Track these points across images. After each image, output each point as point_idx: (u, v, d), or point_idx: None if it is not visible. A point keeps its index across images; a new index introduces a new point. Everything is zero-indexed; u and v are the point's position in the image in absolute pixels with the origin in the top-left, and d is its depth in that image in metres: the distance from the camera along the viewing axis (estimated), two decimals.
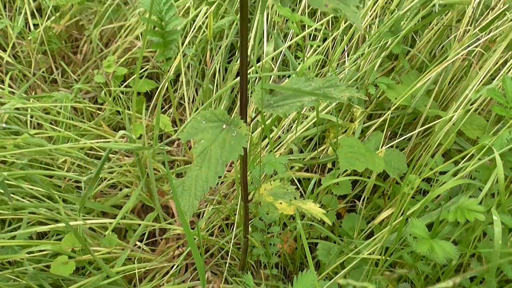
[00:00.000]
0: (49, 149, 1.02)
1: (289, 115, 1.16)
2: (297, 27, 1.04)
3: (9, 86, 1.45)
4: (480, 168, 0.98)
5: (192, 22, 1.47)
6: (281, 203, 0.89)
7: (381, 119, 1.14)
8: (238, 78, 1.14)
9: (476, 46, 1.01)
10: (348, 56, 1.22)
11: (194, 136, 0.72)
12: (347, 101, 0.72)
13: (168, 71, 1.22)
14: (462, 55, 1.02)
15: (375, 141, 1.09)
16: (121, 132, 1.04)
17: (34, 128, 1.35)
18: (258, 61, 1.45)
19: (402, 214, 0.97)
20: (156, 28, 1.09)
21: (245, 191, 0.90)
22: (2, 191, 1.01)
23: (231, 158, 0.68)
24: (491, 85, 0.94)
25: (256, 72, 1.23)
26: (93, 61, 1.59)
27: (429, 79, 1.08)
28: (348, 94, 0.76)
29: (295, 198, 0.89)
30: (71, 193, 1.26)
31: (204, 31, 1.45)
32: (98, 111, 1.44)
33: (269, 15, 1.45)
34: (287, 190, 0.91)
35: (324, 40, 1.35)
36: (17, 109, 1.24)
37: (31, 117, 1.33)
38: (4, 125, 0.99)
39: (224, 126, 0.73)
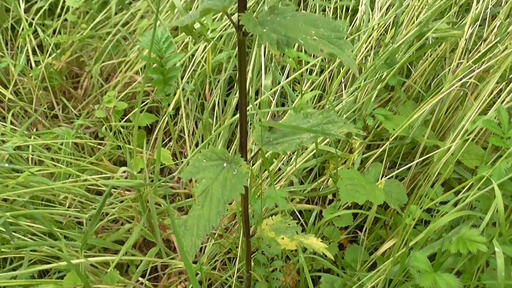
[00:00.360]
0: (51, 188, 1.03)
1: (288, 152, 1.17)
2: (294, 62, 1.06)
3: (11, 122, 1.47)
4: (480, 198, 0.98)
5: (191, 57, 1.50)
6: (283, 238, 0.89)
7: (380, 150, 1.15)
8: (237, 115, 1.16)
9: (470, 78, 1.03)
10: (345, 88, 1.24)
11: (196, 175, 0.73)
12: (345, 138, 0.74)
13: (168, 105, 1.24)
14: (456, 87, 1.04)
15: (374, 172, 1.09)
16: (123, 168, 1.04)
17: (35, 164, 1.36)
18: (256, 93, 1.48)
19: (404, 245, 0.97)
20: (156, 65, 1.11)
21: (246, 226, 0.90)
22: (3, 229, 1.01)
23: (232, 198, 0.69)
24: (486, 116, 0.96)
25: (258, 107, 1.25)
26: (93, 96, 1.61)
27: (425, 110, 1.09)
28: (346, 130, 0.77)
29: (297, 233, 0.89)
30: (73, 229, 1.26)
31: (203, 65, 1.47)
32: (99, 146, 1.45)
33: (266, 48, 1.48)
34: (289, 224, 0.91)
35: (321, 72, 1.37)
36: (19, 147, 1.25)
37: (33, 150, 1.34)
38: (7, 164, 1.00)
39: (225, 165, 0.74)
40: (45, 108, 1.58)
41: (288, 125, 0.77)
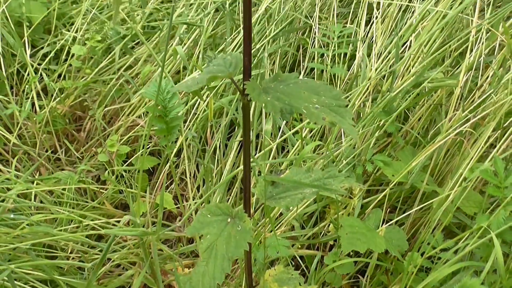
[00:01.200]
0: (54, 235, 1.03)
1: (291, 208, 1.19)
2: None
3: (15, 166, 1.48)
4: (480, 246, 0.99)
5: (193, 103, 1.53)
6: None
7: (380, 195, 1.17)
8: (239, 168, 1.18)
9: (466, 126, 1.06)
10: (344, 134, 1.26)
11: (200, 231, 0.74)
12: (346, 193, 0.75)
13: (171, 152, 1.26)
14: (453, 135, 1.07)
15: (375, 218, 1.11)
16: (126, 217, 1.06)
17: (38, 209, 1.37)
18: (257, 137, 1.50)
19: None
20: (160, 114, 1.14)
21: (249, 277, 0.91)
22: (7, 280, 1.01)
23: (236, 255, 0.70)
24: (483, 166, 0.98)
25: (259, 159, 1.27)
26: (96, 139, 1.63)
27: (423, 157, 1.12)
28: (347, 185, 0.79)
29: (299, 284, 0.90)
30: (74, 274, 1.26)
31: (204, 109, 1.51)
32: (101, 190, 1.47)
33: None
34: (292, 275, 0.92)
35: None
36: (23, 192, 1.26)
37: (36, 195, 1.35)
38: (12, 215, 1.01)
39: (229, 220, 0.75)
40: (47, 151, 1.60)
41: (290, 179, 0.79)
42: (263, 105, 0.58)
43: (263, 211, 1.25)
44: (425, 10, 1.22)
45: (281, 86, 0.62)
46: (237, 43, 1.56)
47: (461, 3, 1.22)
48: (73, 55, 1.67)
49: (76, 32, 1.68)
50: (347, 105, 0.58)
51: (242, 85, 0.63)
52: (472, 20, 1.17)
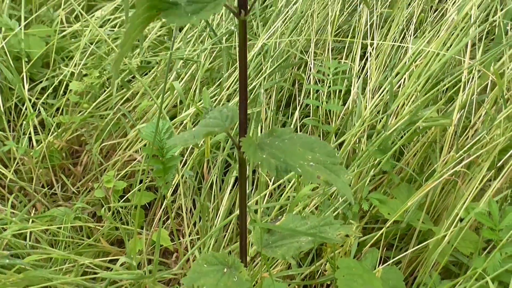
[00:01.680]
0: (49, 279, 1.03)
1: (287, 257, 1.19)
2: None
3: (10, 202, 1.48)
4: None
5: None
6: None
7: (377, 234, 1.17)
8: (234, 214, 1.18)
9: (460, 167, 1.07)
10: None
11: (197, 281, 0.74)
12: (341, 241, 0.76)
13: (168, 190, 1.26)
14: (447, 176, 1.08)
15: (371, 258, 1.11)
16: (122, 259, 1.05)
17: (32, 248, 1.36)
18: (253, 172, 1.51)
19: None
20: (157, 155, 1.14)
21: None
22: None
23: None
24: (478, 207, 0.99)
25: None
26: (92, 174, 1.63)
27: (419, 197, 1.12)
28: (343, 233, 0.79)
29: None
30: None
31: (201, 145, 1.51)
32: (97, 227, 1.46)
33: (263, 129, 1.53)
34: None
35: None
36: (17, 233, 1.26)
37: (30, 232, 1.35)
38: (7, 260, 1.01)
39: (225, 270, 0.75)
40: (43, 186, 1.60)
41: (286, 228, 0.79)
42: (259, 163, 0.58)
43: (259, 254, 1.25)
44: (419, 49, 1.25)
45: (276, 142, 0.63)
46: (234, 78, 1.58)
47: (452, 43, 1.25)
48: (71, 90, 1.69)
49: (75, 67, 1.69)
50: (341, 163, 0.59)
51: (238, 139, 0.64)
52: (464, 61, 1.19)
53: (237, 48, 0.59)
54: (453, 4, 1.47)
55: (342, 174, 0.58)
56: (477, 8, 1.22)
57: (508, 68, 1.19)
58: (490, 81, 1.27)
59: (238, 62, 0.60)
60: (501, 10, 1.23)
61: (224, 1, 0.54)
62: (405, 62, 1.30)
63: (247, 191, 1.42)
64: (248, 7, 0.56)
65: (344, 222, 1.28)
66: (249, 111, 1.42)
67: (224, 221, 1.17)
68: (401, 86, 1.31)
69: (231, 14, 1.71)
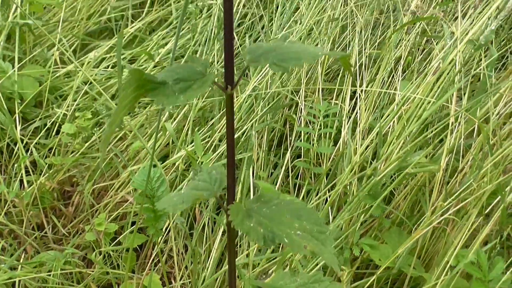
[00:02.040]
0: None
1: None
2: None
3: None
4: None
5: (181, 177, 1.55)
6: None
7: (369, 280, 1.17)
8: (224, 268, 1.18)
9: (449, 214, 1.08)
10: (332, 217, 1.28)
11: None
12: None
13: (159, 238, 1.26)
14: (436, 223, 1.09)
15: None
16: None
17: None
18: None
19: None
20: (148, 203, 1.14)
21: None
22: None
23: None
24: (467, 256, 1.00)
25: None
26: (84, 216, 1.63)
27: (410, 243, 1.13)
28: None
29: None
30: None
31: None
32: (88, 271, 1.45)
33: (255, 169, 1.54)
34: None
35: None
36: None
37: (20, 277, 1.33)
38: None
39: None
40: (33, 228, 1.59)
41: (275, 285, 0.79)
42: (246, 233, 0.59)
43: None
44: (407, 95, 1.27)
45: (264, 208, 0.63)
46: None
47: (439, 87, 1.27)
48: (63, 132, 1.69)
49: (68, 107, 1.71)
50: (328, 232, 0.60)
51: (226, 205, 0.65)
52: (450, 107, 1.22)
53: (226, 119, 0.60)
54: (437, 44, 1.51)
55: (328, 244, 0.59)
56: (462, 55, 1.25)
57: (493, 113, 1.22)
58: (477, 125, 1.29)
59: (226, 130, 0.61)
60: (485, 56, 1.26)
61: (212, 78, 0.55)
62: (394, 107, 1.32)
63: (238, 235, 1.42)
64: (235, 82, 0.58)
65: (334, 278, 1.28)
66: (240, 156, 1.44)
67: (215, 274, 1.16)
68: (391, 128, 1.33)
69: (223, 52, 1.74)
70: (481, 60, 1.27)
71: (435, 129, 1.20)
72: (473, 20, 1.30)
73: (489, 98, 1.20)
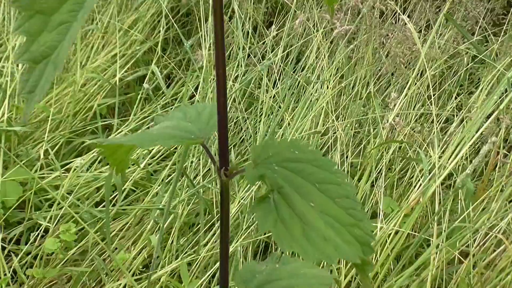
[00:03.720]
0: None
1: None
2: None
3: None
4: None
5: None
6: None
7: None
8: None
9: None
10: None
11: None
12: None
13: None
14: None
15: None
16: None
17: None
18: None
19: None
20: None
21: None
22: None
23: None
24: None
25: None
26: None
27: None
28: None
29: None
30: None
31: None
32: None
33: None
34: None
35: None
36: None
37: None
38: None
39: None
40: None
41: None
42: None
43: None
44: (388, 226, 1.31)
45: None
46: (214, 233, 1.60)
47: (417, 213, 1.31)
48: (47, 232, 1.67)
49: (50, 220, 1.70)
50: None
51: None
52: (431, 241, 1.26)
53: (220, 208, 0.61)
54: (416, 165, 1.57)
55: None
56: (441, 185, 1.31)
57: (472, 247, 1.26)
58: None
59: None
60: (461, 188, 1.31)
61: None
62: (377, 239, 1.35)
63: None
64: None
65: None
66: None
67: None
68: (373, 259, 1.36)
69: (209, 161, 1.77)
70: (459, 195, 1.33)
71: (415, 254, 1.23)
72: (449, 149, 1.36)
73: (468, 229, 1.24)
